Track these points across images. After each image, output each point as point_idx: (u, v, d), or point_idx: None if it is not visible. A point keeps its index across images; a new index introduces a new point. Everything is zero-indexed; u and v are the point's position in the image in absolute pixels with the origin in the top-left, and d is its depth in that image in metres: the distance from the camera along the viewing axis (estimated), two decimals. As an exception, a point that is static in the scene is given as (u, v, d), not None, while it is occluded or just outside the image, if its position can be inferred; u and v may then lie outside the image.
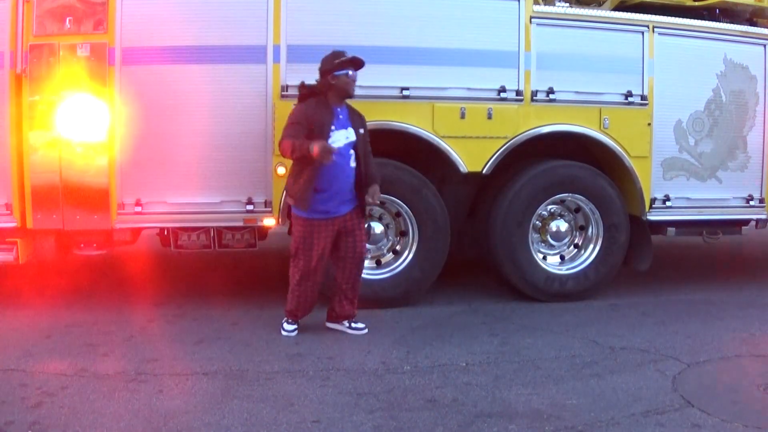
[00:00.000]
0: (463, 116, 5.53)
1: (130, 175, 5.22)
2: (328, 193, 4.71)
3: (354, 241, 4.88)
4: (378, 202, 4.95)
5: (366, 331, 5.00)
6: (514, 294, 5.93)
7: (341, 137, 4.72)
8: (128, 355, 4.48)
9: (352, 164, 4.78)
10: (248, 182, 5.34)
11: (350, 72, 4.73)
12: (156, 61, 5.19)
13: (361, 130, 4.85)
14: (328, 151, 4.47)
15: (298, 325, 4.99)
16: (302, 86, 4.82)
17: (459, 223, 5.90)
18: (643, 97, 5.84)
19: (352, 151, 4.78)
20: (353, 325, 5.03)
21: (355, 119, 4.86)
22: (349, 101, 4.87)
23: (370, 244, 5.52)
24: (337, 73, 4.70)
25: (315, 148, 4.42)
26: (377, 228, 5.67)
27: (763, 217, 6.27)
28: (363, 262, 5.01)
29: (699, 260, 7.89)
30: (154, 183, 5.26)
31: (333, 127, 4.69)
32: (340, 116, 4.77)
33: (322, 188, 4.68)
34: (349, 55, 4.72)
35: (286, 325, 4.97)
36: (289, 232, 6.22)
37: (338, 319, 5.06)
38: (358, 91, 5.17)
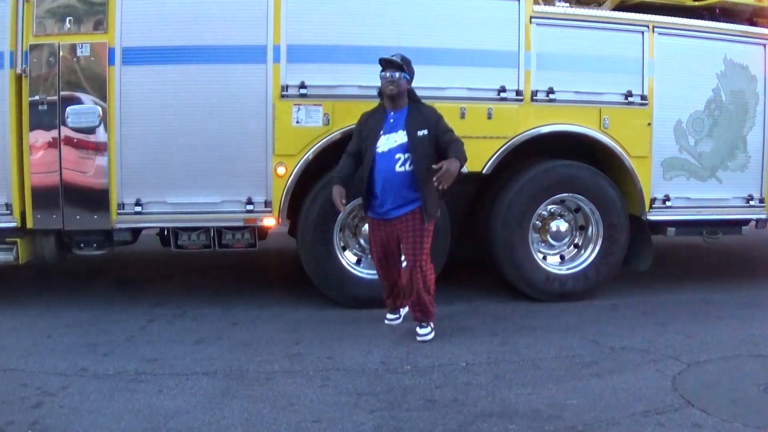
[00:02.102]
0: (463, 116, 5.52)
1: (130, 175, 5.23)
2: (381, 198, 4.71)
3: (409, 245, 4.71)
4: (442, 185, 4.48)
5: (429, 338, 4.83)
6: (514, 294, 5.92)
7: (388, 141, 4.67)
8: (128, 355, 4.48)
9: (401, 168, 4.65)
10: (248, 182, 5.34)
11: (383, 72, 4.71)
12: (156, 61, 5.19)
13: (422, 132, 4.64)
14: (334, 203, 4.75)
15: (399, 314, 5.19)
16: None
17: (459, 223, 5.90)
18: (643, 97, 5.84)
19: (403, 155, 4.65)
20: (418, 329, 4.87)
21: (416, 120, 4.69)
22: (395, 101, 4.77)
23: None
24: (380, 76, 4.74)
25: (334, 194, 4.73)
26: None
27: (763, 217, 6.26)
28: (421, 268, 4.72)
29: (699, 260, 7.88)
30: (154, 183, 5.26)
31: (381, 132, 4.71)
32: (391, 120, 4.73)
33: (375, 193, 4.73)
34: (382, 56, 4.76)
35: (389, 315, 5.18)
36: (289, 233, 6.25)
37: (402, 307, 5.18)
38: (356, 92, 5.19)
